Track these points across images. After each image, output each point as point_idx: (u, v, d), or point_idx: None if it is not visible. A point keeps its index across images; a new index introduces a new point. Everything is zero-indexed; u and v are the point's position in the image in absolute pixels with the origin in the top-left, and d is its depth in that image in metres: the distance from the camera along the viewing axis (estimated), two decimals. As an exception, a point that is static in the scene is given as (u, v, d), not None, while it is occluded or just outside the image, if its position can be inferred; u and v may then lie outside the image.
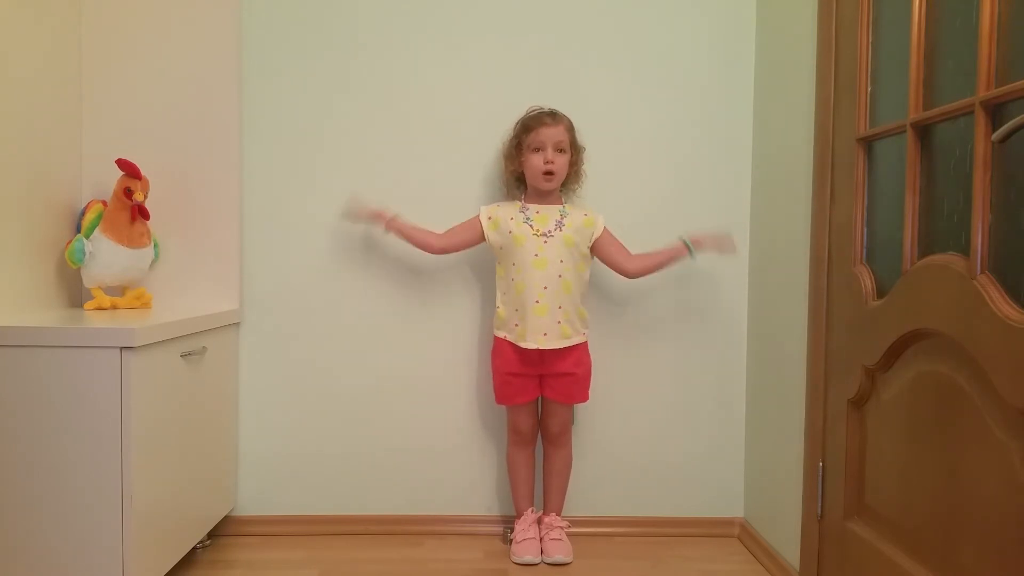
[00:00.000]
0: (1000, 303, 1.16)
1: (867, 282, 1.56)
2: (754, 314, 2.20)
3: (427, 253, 2.07)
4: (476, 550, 2.11)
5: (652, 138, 2.21)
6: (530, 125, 1.99)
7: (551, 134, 1.97)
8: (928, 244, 1.39)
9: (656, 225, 2.21)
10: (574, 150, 2.03)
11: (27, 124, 1.84)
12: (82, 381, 1.53)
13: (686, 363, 2.25)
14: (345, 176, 2.18)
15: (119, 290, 2.04)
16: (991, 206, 1.21)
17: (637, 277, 2.08)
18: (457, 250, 2.08)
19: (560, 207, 2.04)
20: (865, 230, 1.60)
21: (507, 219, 2.01)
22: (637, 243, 2.20)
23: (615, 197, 2.20)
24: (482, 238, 2.04)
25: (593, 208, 2.09)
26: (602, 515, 2.25)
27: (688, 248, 2.02)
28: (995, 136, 1.17)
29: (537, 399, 2.08)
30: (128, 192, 1.93)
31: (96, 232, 1.92)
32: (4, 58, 1.75)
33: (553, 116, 2.00)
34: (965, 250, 1.26)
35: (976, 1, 1.24)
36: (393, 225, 2.03)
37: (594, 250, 2.04)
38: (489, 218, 2.03)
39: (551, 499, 2.11)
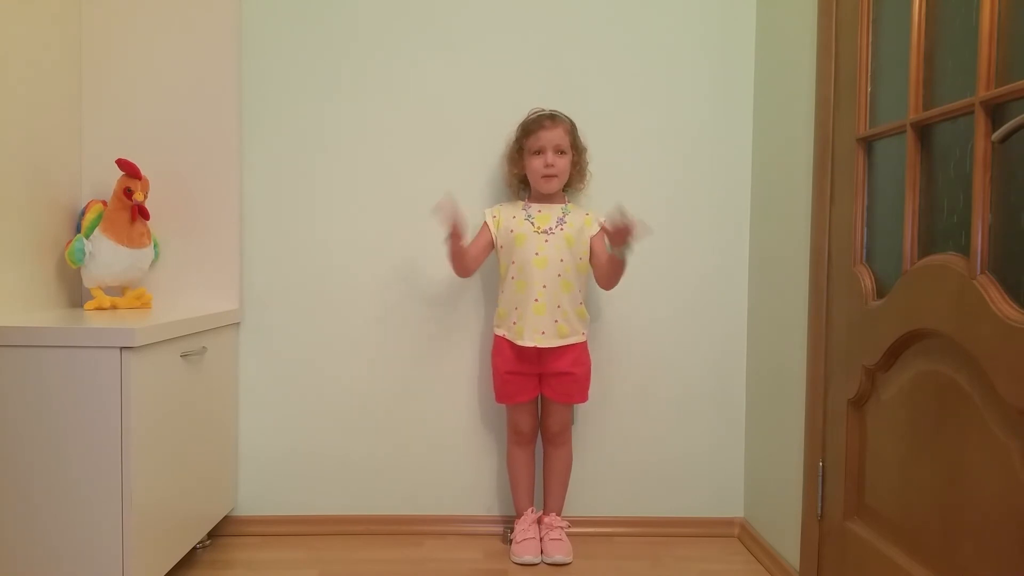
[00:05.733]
0: (1000, 303, 1.16)
1: (867, 282, 1.56)
2: (754, 314, 2.20)
3: (457, 274, 2.03)
4: (476, 550, 2.11)
5: (652, 138, 2.21)
6: (530, 129, 2.00)
7: (550, 137, 1.97)
8: (928, 244, 1.39)
9: (656, 225, 2.21)
10: (576, 151, 2.04)
11: (27, 124, 1.84)
12: (82, 381, 1.53)
13: (686, 363, 2.25)
14: (345, 176, 2.18)
15: (119, 290, 2.04)
16: (991, 206, 1.21)
17: (607, 284, 2.02)
18: (480, 262, 2.05)
19: (563, 206, 2.04)
20: (865, 230, 1.60)
21: (509, 218, 2.02)
22: (637, 244, 2.20)
23: (615, 197, 2.19)
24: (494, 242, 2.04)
25: (595, 210, 2.09)
26: (602, 515, 2.25)
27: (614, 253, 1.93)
28: (995, 136, 1.17)
29: (537, 398, 2.08)
30: (128, 192, 1.93)
31: (96, 232, 1.92)
32: (4, 58, 1.75)
33: (552, 119, 2.00)
34: (965, 250, 1.26)
35: (976, 1, 1.24)
36: (456, 241, 1.92)
37: (592, 243, 2.03)
38: (494, 217, 2.04)
39: (551, 499, 2.11)
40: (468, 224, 1.97)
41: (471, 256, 2.02)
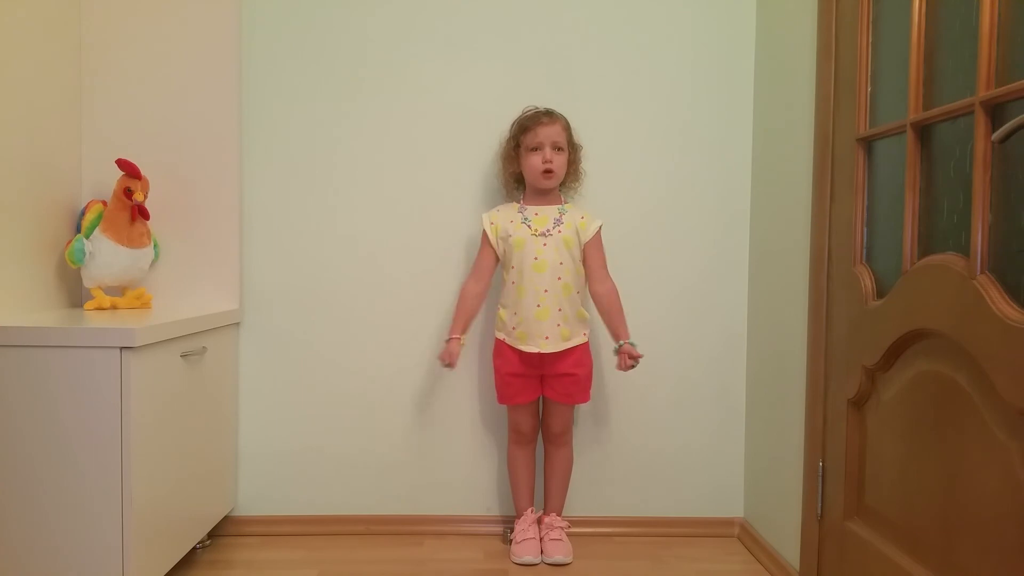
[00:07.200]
0: (1000, 303, 1.16)
1: (867, 282, 1.56)
2: (754, 314, 2.20)
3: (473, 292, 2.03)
4: (476, 550, 2.11)
5: (652, 138, 2.21)
6: (527, 125, 1.99)
7: (548, 133, 1.97)
8: (928, 244, 1.39)
9: (656, 226, 2.21)
10: (571, 148, 2.03)
11: (27, 124, 1.84)
12: (82, 381, 1.53)
13: (686, 362, 2.25)
14: (345, 176, 2.18)
15: (119, 290, 2.04)
16: (991, 206, 1.21)
17: (596, 301, 2.03)
18: (491, 275, 2.05)
19: (559, 206, 2.04)
20: (865, 230, 1.60)
21: (507, 222, 2.01)
22: (637, 243, 2.21)
23: (615, 197, 2.20)
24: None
25: (593, 212, 2.08)
26: (602, 515, 2.25)
27: (616, 347, 1.99)
28: (995, 136, 1.17)
29: (538, 399, 2.08)
30: (128, 192, 1.93)
31: (96, 232, 1.92)
32: (4, 58, 1.74)
33: (550, 115, 2.00)
34: (965, 250, 1.26)
35: (976, 1, 1.24)
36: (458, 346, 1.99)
37: (584, 250, 2.03)
38: (492, 223, 2.03)
39: (551, 499, 2.11)
40: (462, 352, 2.03)
41: (482, 285, 2.03)
